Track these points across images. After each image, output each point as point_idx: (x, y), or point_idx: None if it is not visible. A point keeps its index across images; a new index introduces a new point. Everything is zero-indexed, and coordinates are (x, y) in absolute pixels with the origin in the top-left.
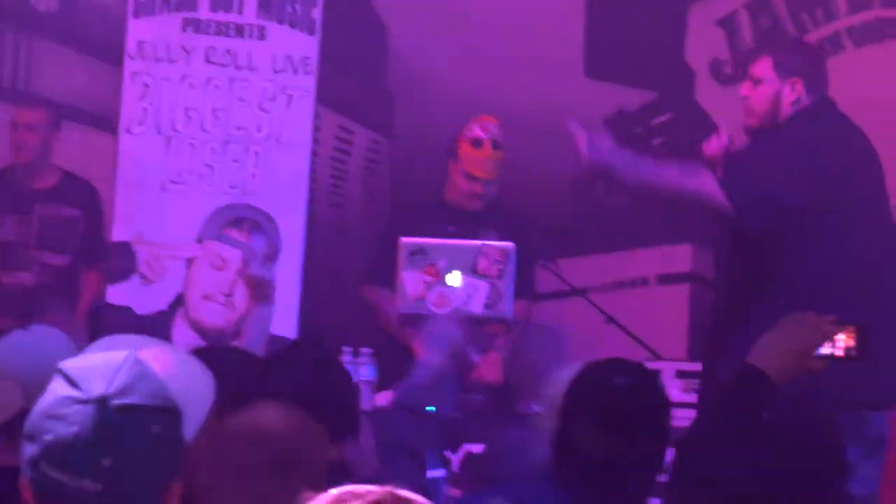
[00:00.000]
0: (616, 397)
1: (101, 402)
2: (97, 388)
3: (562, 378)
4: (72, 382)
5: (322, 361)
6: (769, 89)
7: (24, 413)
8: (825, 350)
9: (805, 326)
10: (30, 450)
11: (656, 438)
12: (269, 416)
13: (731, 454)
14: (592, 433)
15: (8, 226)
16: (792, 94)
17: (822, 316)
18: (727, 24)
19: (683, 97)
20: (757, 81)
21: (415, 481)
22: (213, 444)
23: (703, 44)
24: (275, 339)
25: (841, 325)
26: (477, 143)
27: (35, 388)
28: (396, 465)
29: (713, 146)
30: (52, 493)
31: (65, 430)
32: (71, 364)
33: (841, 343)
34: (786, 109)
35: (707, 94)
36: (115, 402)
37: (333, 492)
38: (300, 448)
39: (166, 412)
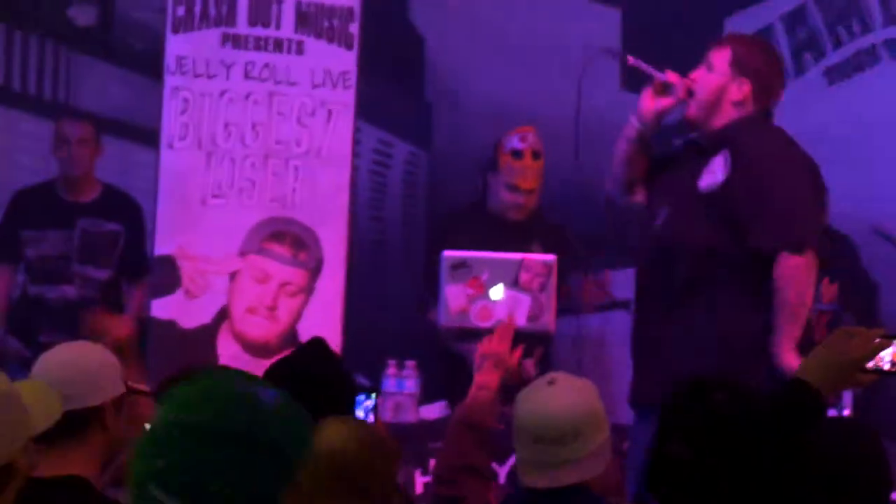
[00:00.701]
0: (715, 415)
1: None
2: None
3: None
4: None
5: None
6: (718, 81)
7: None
8: (873, 364)
9: (854, 340)
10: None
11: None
12: (339, 434)
13: (777, 468)
14: (691, 452)
15: (50, 240)
16: (737, 94)
17: (870, 329)
18: (764, 36)
19: None
20: (710, 69)
21: (485, 499)
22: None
23: None
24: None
25: (890, 339)
26: (517, 153)
27: (78, 391)
28: (468, 485)
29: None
30: None
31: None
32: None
33: (888, 357)
34: (726, 108)
35: None
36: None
37: None
38: (372, 464)
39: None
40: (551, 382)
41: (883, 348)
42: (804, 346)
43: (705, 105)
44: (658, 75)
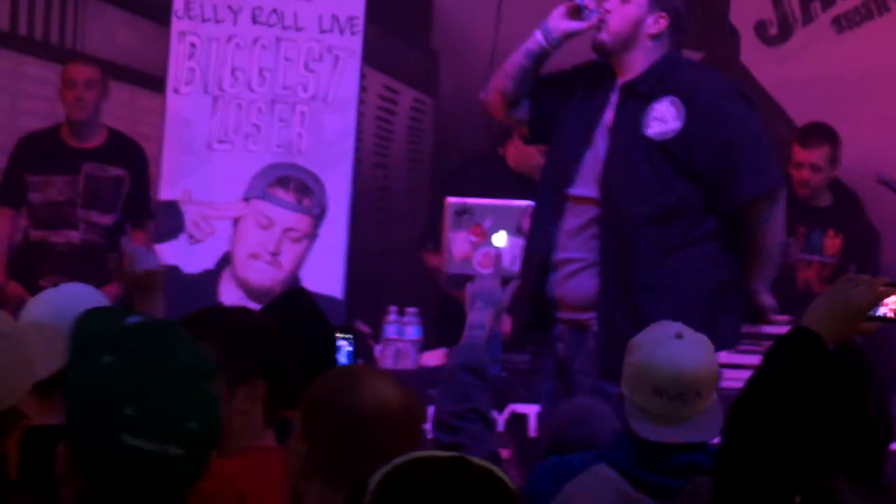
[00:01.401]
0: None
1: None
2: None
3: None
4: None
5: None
6: (635, 13)
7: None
8: (878, 311)
9: (858, 288)
10: (102, 421)
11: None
12: (390, 390)
13: (781, 417)
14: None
15: (55, 185)
16: (654, 27)
17: (874, 277)
18: None
19: (729, 57)
20: (626, 0)
21: (489, 445)
22: (332, 420)
23: (747, 5)
24: (321, 298)
25: (894, 287)
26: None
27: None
28: (472, 429)
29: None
30: (132, 461)
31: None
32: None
33: (893, 304)
34: (642, 41)
35: (752, 54)
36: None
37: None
38: (417, 413)
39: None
40: (679, 336)
41: (887, 295)
42: (801, 296)
43: (621, 36)
44: None
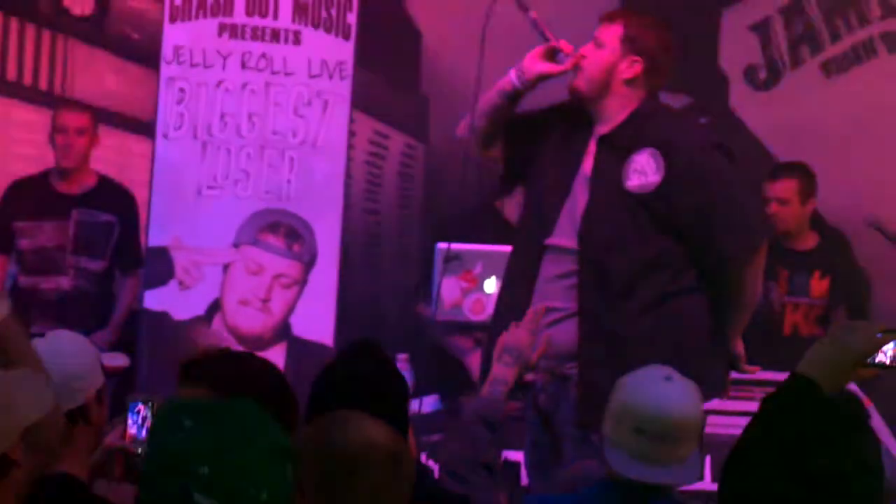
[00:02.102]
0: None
1: None
2: None
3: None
4: None
5: (383, 364)
6: (608, 58)
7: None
8: (875, 358)
9: (855, 335)
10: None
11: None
12: (374, 431)
13: (777, 465)
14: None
15: (44, 231)
16: (628, 72)
17: (872, 324)
18: (761, 29)
19: (717, 102)
20: (600, 45)
21: (494, 497)
22: (320, 461)
23: (736, 49)
24: (311, 345)
25: (891, 333)
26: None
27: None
28: (480, 482)
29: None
30: None
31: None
32: None
33: (890, 352)
34: (616, 86)
35: (741, 98)
36: None
37: None
38: (403, 454)
39: None
40: (668, 378)
41: (885, 343)
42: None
43: (595, 82)
44: (552, 38)
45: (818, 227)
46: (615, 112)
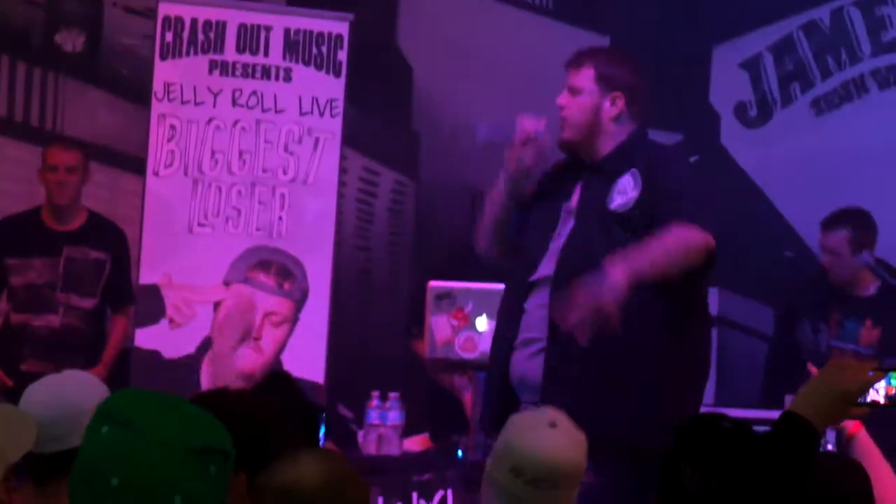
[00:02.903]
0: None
1: None
2: None
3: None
4: None
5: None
6: (589, 101)
7: (34, 456)
8: (867, 397)
9: (847, 373)
10: (94, 489)
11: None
12: (308, 470)
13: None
14: (702, 480)
15: (35, 267)
16: (612, 109)
17: (864, 362)
18: (751, 66)
19: (708, 139)
20: (576, 92)
21: None
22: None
23: (727, 86)
24: (302, 382)
25: (883, 371)
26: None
27: (65, 430)
28: None
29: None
30: None
31: None
32: None
33: (882, 390)
34: (606, 126)
35: (732, 136)
36: None
37: None
38: (349, 492)
39: None
40: (553, 425)
41: (877, 381)
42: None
43: (583, 128)
44: (512, 135)
45: (883, 275)
46: (606, 149)
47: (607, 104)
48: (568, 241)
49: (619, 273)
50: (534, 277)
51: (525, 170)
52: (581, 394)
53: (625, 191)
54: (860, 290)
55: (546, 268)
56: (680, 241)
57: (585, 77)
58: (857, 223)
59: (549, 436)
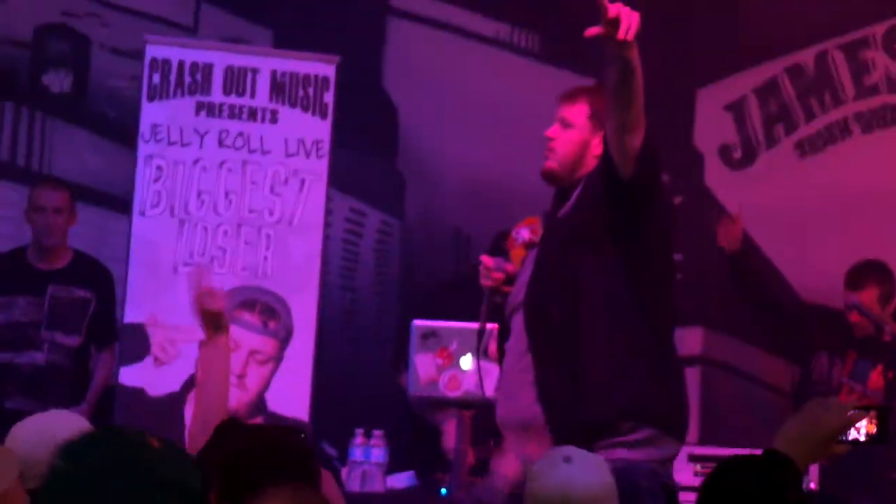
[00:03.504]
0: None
1: None
2: None
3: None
4: None
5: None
6: (579, 136)
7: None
8: (849, 435)
9: (829, 412)
10: None
11: None
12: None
13: None
14: None
15: (20, 306)
16: (598, 148)
17: (846, 402)
18: (736, 108)
19: (692, 181)
20: (567, 125)
21: None
22: None
23: (711, 128)
24: (286, 420)
25: (864, 411)
26: (531, 246)
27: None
28: None
29: None
30: None
31: None
32: None
33: (863, 428)
34: (589, 161)
35: (716, 177)
36: None
37: None
38: None
39: None
40: (568, 460)
41: (858, 420)
42: None
43: (570, 162)
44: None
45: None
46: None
47: (596, 142)
48: (535, 266)
49: None
50: (507, 311)
51: (493, 289)
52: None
53: (571, 198)
54: (882, 334)
55: (514, 298)
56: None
57: (579, 112)
58: (882, 278)
59: (568, 471)
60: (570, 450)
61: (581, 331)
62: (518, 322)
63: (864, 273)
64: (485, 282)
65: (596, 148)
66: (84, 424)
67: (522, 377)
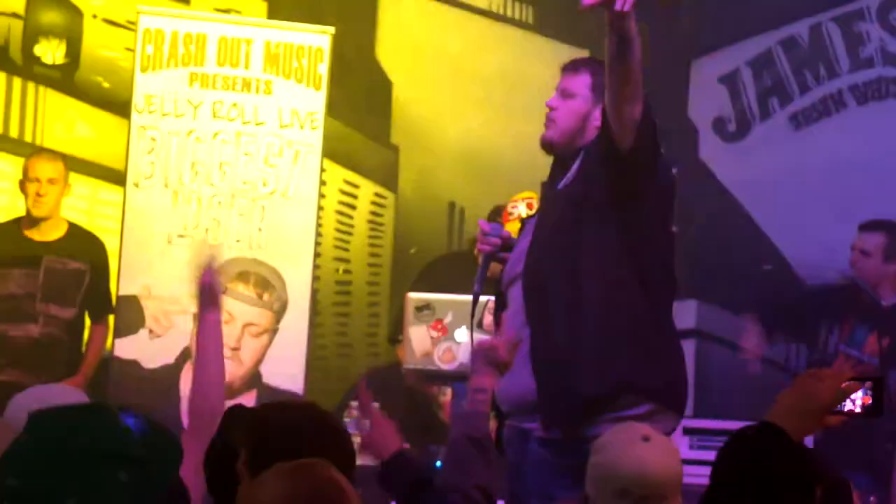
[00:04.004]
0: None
1: None
2: None
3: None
4: None
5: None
6: (581, 106)
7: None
8: (843, 406)
9: (823, 383)
10: None
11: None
12: (269, 487)
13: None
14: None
15: (14, 278)
16: (599, 119)
17: (839, 373)
18: (730, 81)
19: (687, 154)
20: (568, 96)
21: None
22: None
23: (706, 101)
24: (281, 393)
25: (859, 382)
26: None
27: None
28: None
29: None
30: None
31: None
32: None
33: (858, 400)
34: (590, 132)
35: (710, 150)
36: None
37: None
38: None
39: None
40: (646, 439)
41: (853, 391)
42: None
43: (569, 132)
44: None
45: None
46: None
47: (597, 113)
48: (533, 237)
49: None
50: (504, 281)
51: (490, 255)
52: (574, 364)
53: (570, 171)
54: (880, 297)
55: (512, 269)
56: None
57: (581, 83)
58: (891, 233)
59: (647, 450)
60: (646, 428)
61: (580, 303)
62: (516, 293)
63: (878, 223)
64: (482, 247)
65: (596, 119)
66: (81, 397)
67: (520, 349)
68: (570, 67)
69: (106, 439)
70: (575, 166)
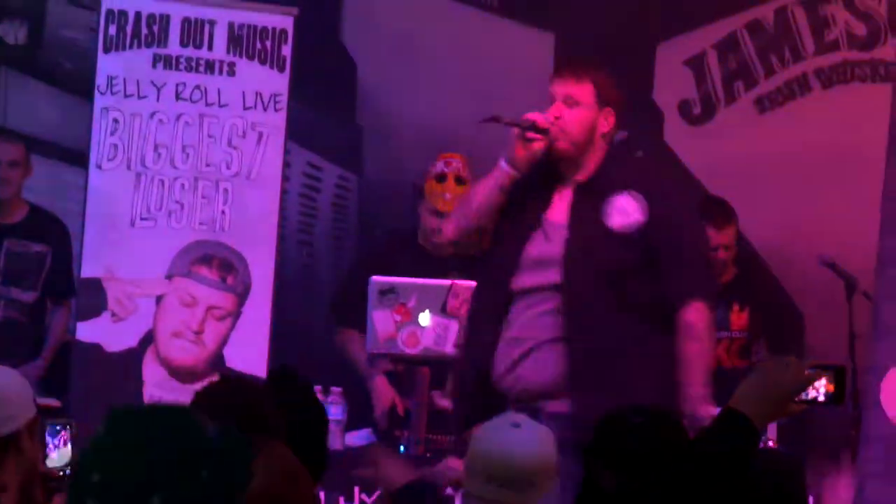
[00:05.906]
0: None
1: None
2: None
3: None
4: None
5: (305, 392)
6: (588, 115)
7: None
8: (808, 394)
9: (787, 371)
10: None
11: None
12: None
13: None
14: (616, 475)
15: None
16: (605, 126)
17: (803, 361)
18: (695, 64)
19: (652, 137)
20: (573, 104)
21: None
22: None
23: (671, 84)
24: (244, 376)
25: (822, 370)
26: (440, 178)
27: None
28: None
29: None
30: None
31: None
32: None
33: (822, 388)
34: (597, 141)
35: (675, 133)
36: None
37: None
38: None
39: None
40: (516, 425)
41: (816, 379)
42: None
43: (582, 143)
44: (523, 122)
45: (735, 260)
46: (589, 161)
47: (602, 120)
48: (568, 252)
49: (706, 406)
50: (524, 286)
51: (533, 157)
52: (608, 384)
53: (625, 212)
54: (721, 277)
55: (533, 277)
56: (707, 333)
57: (585, 91)
58: (735, 214)
59: (515, 436)
60: (520, 417)
61: (623, 329)
62: (526, 303)
63: (724, 213)
64: (538, 145)
65: (602, 126)
66: (19, 377)
67: (542, 353)
68: (571, 73)
69: (186, 438)
70: (635, 216)
